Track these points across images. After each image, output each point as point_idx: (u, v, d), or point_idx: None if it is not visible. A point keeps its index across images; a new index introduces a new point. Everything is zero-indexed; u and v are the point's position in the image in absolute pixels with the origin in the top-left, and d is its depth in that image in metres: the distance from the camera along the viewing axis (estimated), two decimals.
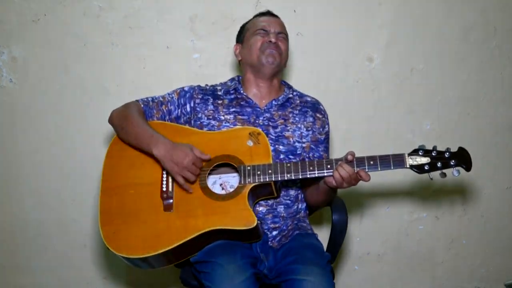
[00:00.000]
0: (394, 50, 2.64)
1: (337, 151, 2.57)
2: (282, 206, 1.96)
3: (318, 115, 2.06)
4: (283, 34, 2.05)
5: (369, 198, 2.73)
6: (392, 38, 2.63)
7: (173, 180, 1.84)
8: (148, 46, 2.50)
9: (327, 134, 2.08)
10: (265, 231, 1.91)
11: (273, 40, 1.99)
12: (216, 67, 2.54)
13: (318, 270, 1.71)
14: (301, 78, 2.58)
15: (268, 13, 2.11)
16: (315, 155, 2.02)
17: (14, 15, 2.44)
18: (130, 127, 1.87)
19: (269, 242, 1.91)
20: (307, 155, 2.01)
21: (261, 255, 1.84)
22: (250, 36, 2.04)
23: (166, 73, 2.52)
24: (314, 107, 2.07)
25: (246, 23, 2.13)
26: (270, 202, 1.93)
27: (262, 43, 2.00)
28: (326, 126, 2.08)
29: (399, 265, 2.80)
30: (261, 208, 1.92)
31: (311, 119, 2.04)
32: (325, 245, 1.96)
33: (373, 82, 2.65)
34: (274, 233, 1.93)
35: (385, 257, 2.79)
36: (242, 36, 2.10)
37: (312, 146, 2.02)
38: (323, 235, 2.40)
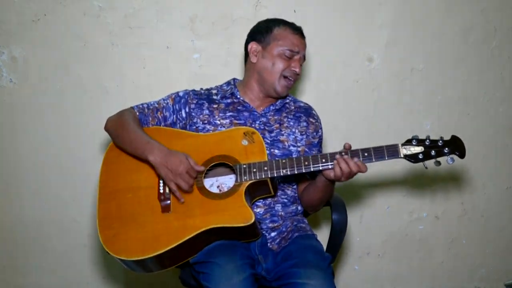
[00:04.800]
0: (394, 50, 2.64)
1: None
2: (280, 205, 1.96)
3: (311, 119, 2.06)
4: (304, 57, 2.01)
5: (369, 198, 2.73)
6: (392, 38, 2.63)
7: None
8: (148, 46, 2.50)
9: (321, 138, 2.09)
10: (264, 232, 1.90)
11: (297, 70, 1.96)
12: (216, 67, 2.53)
13: (320, 273, 1.70)
14: (301, 78, 2.58)
15: (299, 32, 2.01)
16: None
17: (14, 15, 2.44)
18: (126, 134, 1.87)
19: (269, 244, 1.90)
20: None
21: (259, 257, 1.84)
22: (275, 48, 1.96)
23: (166, 73, 2.52)
24: (307, 112, 2.08)
25: (273, 25, 2.00)
26: (267, 201, 1.93)
27: (284, 68, 1.95)
28: (320, 130, 2.08)
29: (399, 265, 2.80)
30: (258, 210, 1.92)
31: (304, 123, 2.04)
32: (324, 245, 1.96)
33: (373, 82, 2.65)
34: (273, 234, 1.92)
35: (385, 257, 2.79)
36: (266, 39, 1.98)
37: (306, 149, 2.02)
38: (322, 235, 2.40)
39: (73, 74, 2.49)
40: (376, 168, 2.60)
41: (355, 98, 2.65)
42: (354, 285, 2.78)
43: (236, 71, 2.52)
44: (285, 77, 1.96)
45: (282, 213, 1.96)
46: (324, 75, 2.62)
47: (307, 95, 2.60)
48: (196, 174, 1.81)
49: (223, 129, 1.95)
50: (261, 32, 2.00)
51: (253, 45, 2.00)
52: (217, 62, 2.54)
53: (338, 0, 2.58)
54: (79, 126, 2.52)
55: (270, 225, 1.92)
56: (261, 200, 1.92)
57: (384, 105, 2.68)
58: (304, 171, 1.81)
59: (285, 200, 1.98)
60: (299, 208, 2.04)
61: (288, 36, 1.97)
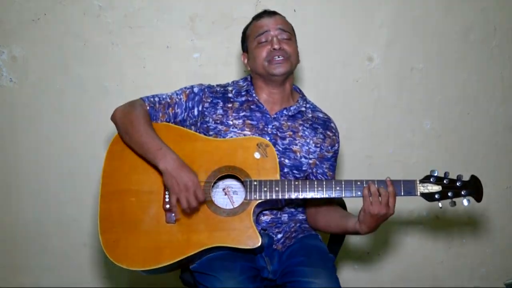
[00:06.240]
0: (394, 50, 2.64)
1: None
2: (286, 215, 1.94)
3: (328, 133, 1.98)
4: (286, 33, 1.91)
5: None
6: (392, 38, 2.63)
7: None
8: (148, 46, 2.50)
9: (336, 152, 2.00)
10: (271, 234, 1.89)
11: (276, 46, 1.86)
12: (216, 66, 2.53)
13: (325, 273, 1.70)
14: (301, 77, 2.58)
15: (265, 13, 1.96)
16: (319, 171, 1.96)
17: (14, 15, 2.44)
18: (137, 134, 1.78)
19: (274, 245, 1.89)
20: (311, 171, 1.96)
21: (266, 259, 1.82)
22: (252, 44, 1.94)
23: (166, 73, 2.52)
24: (325, 125, 1.99)
25: (247, 28, 2.01)
26: (274, 211, 1.91)
27: (267, 53, 1.88)
28: (336, 144, 2.00)
29: (399, 265, 2.80)
30: (265, 217, 1.89)
31: (321, 136, 1.96)
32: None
33: (373, 82, 2.65)
34: (279, 236, 1.91)
35: (385, 257, 2.79)
36: (245, 44, 1.99)
37: (317, 162, 1.96)
38: (323, 235, 2.40)
39: (73, 74, 2.49)
40: None
41: (355, 98, 2.65)
42: (354, 285, 2.78)
43: (236, 71, 2.52)
44: (270, 61, 1.88)
45: (288, 221, 1.95)
46: (324, 75, 2.62)
47: (307, 95, 2.60)
48: (202, 199, 1.74)
49: (235, 129, 1.90)
50: (242, 41, 2.03)
51: (243, 57, 2.02)
52: (217, 61, 2.54)
53: (338, 0, 2.58)
54: (79, 126, 2.52)
55: (276, 230, 1.91)
56: (269, 210, 1.90)
57: (384, 105, 2.67)
58: (316, 196, 1.76)
59: (292, 210, 1.96)
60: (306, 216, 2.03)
61: (254, 26, 1.95)
